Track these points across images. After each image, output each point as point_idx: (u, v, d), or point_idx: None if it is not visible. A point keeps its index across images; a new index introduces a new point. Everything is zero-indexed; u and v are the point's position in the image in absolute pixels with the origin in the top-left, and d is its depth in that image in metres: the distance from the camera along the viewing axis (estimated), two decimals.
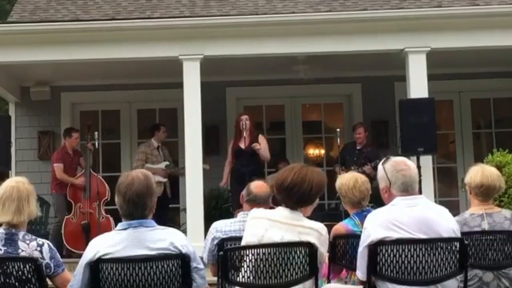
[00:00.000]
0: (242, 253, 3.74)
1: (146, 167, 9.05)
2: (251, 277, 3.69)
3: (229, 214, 8.16)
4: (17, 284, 3.66)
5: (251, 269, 3.68)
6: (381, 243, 3.69)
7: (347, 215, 4.87)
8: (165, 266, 3.45)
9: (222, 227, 4.96)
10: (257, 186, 5.08)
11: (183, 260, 3.49)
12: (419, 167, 8.24)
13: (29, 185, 3.99)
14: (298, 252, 3.65)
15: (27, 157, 10.75)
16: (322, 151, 11.56)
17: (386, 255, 3.69)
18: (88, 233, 8.72)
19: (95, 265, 3.44)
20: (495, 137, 10.98)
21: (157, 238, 3.50)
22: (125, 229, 3.51)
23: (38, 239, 3.89)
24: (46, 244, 3.88)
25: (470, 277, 4.05)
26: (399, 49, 8.65)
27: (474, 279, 4.22)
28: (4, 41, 8.70)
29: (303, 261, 3.67)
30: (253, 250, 3.68)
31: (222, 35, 8.65)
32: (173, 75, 8.98)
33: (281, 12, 9.50)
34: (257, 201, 4.88)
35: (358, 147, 9.53)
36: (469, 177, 4.52)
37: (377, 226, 3.73)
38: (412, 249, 3.67)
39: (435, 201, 8.64)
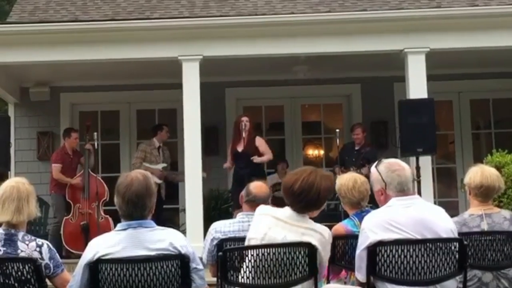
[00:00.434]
0: (242, 253, 3.74)
1: (143, 166, 9.07)
2: (251, 278, 3.69)
3: (229, 215, 8.17)
4: (16, 284, 3.66)
5: (250, 269, 3.68)
6: (380, 243, 3.69)
7: (346, 216, 4.87)
8: (165, 266, 3.45)
9: (222, 228, 4.95)
10: (257, 186, 5.08)
11: (182, 260, 3.49)
12: (418, 167, 8.26)
13: (29, 186, 4.00)
14: (297, 252, 3.66)
15: (27, 157, 10.76)
16: (322, 152, 11.56)
17: (386, 255, 3.69)
18: (87, 233, 8.71)
19: (95, 266, 3.44)
20: (495, 138, 10.99)
21: (157, 239, 3.50)
22: (125, 229, 3.51)
23: (38, 239, 3.89)
24: (46, 244, 3.88)
25: (469, 278, 4.05)
26: (399, 50, 8.65)
27: (473, 280, 4.22)
28: (4, 41, 8.69)
29: (303, 262, 3.67)
30: (252, 251, 3.68)
31: (221, 35, 8.65)
32: (173, 76, 8.98)
33: (281, 13, 9.50)
34: (256, 202, 4.87)
35: (356, 148, 9.54)
36: (468, 177, 4.51)
37: (375, 227, 3.73)
38: (411, 250, 3.67)
39: (435, 202, 8.67)
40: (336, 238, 4.53)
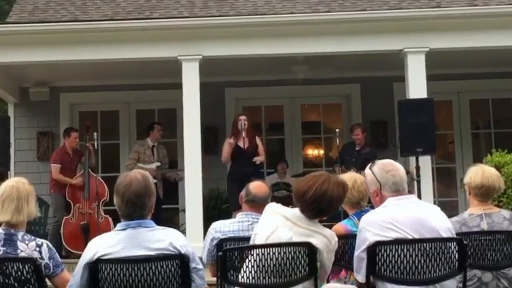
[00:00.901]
0: (241, 253, 3.74)
1: (137, 167, 9.04)
2: (251, 277, 3.69)
3: (228, 215, 8.16)
4: (16, 284, 3.66)
5: (250, 269, 3.68)
6: (379, 243, 3.69)
7: (346, 216, 4.87)
8: (164, 266, 3.45)
9: (221, 228, 4.95)
10: (256, 186, 5.07)
11: (182, 260, 3.49)
12: (418, 167, 8.26)
13: (29, 186, 4.00)
14: (297, 252, 3.66)
15: (26, 158, 10.75)
16: (321, 152, 11.56)
17: (385, 255, 3.69)
18: (87, 233, 8.71)
19: (94, 266, 3.44)
20: (494, 138, 10.99)
21: (156, 239, 3.50)
22: (124, 229, 3.51)
23: (37, 239, 3.90)
24: (45, 244, 3.88)
25: (469, 277, 4.06)
26: (398, 50, 8.65)
27: (473, 279, 4.22)
28: (3, 41, 8.69)
29: (303, 261, 3.67)
30: (252, 250, 3.68)
31: (221, 35, 8.64)
32: (172, 76, 8.98)
33: (280, 13, 9.50)
34: (256, 201, 4.87)
35: (357, 148, 9.54)
36: (468, 177, 4.51)
37: (373, 227, 3.73)
38: (411, 249, 3.67)
39: (434, 202, 8.68)
40: None
